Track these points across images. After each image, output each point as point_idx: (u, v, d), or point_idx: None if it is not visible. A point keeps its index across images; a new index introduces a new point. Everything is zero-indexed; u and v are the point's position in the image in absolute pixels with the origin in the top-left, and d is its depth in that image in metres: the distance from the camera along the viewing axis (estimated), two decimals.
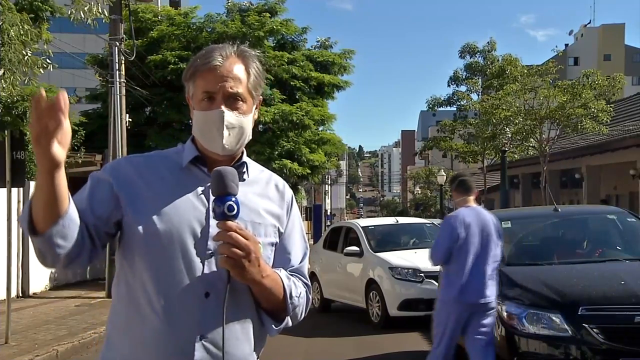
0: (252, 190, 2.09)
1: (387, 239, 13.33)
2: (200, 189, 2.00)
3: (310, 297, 2.18)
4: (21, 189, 14.60)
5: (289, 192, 2.21)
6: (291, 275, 2.11)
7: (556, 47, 59.15)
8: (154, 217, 1.94)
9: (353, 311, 13.25)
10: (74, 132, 16.32)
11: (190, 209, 1.97)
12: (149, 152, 2.15)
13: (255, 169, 2.17)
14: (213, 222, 1.91)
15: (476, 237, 5.98)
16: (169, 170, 2.03)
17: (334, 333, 11.62)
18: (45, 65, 10.57)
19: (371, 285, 12.01)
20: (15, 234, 10.74)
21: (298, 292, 2.09)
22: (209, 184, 1.93)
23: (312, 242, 37.28)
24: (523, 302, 6.24)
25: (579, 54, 79.10)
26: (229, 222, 1.84)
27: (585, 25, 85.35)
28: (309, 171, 23.24)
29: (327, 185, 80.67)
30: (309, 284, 2.19)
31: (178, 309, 1.91)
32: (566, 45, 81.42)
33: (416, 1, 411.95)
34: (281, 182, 2.21)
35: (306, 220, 67.32)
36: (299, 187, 28.24)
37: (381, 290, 11.62)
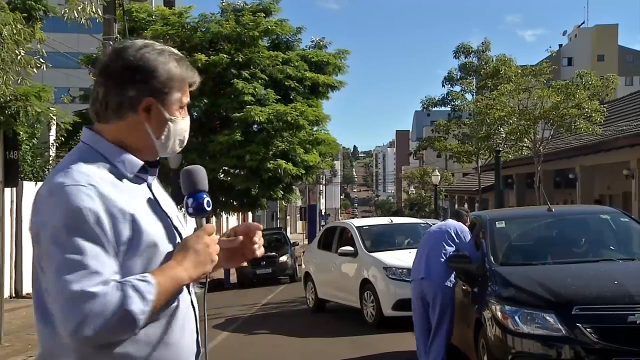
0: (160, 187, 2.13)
1: (381, 239, 13.35)
2: (149, 196, 1.97)
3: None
4: (14, 188, 14.57)
5: None
6: None
7: (550, 47, 59.42)
8: (142, 238, 1.85)
9: (347, 311, 13.25)
10: (70, 132, 16.28)
11: (160, 219, 1.94)
12: (74, 165, 1.86)
13: None
14: (180, 227, 1.98)
15: (426, 239, 8.27)
16: (125, 185, 1.91)
17: (328, 333, 11.63)
18: (38, 65, 10.53)
19: (366, 285, 12.02)
20: (7, 234, 10.70)
21: None
22: (152, 191, 1.99)
23: (307, 242, 37.27)
24: (517, 301, 6.26)
25: (572, 54, 79.23)
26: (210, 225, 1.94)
27: (579, 26, 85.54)
28: (303, 171, 23.21)
29: (321, 186, 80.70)
30: None
31: (182, 314, 1.95)
32: (560, 45, 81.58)
33: (401, 2, 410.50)
34: None
35: (301, 220, 67.29)
36: (294, 187, 28.20)
37: (375, 290, 11.63)
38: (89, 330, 1.67)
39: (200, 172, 2.00)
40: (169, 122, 1.98)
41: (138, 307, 1.72)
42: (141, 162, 1.96)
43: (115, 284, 1.72)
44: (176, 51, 2.02)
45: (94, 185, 1.79)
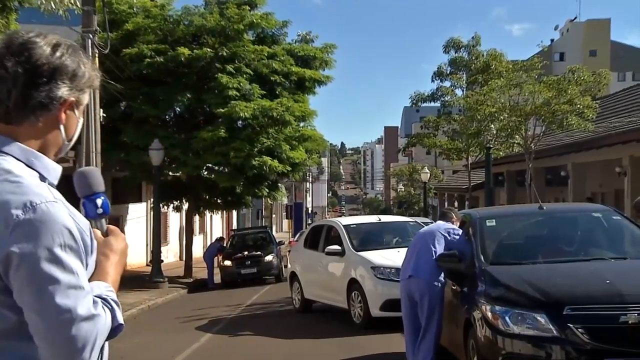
0: None
1: (369, 238, 13.35)
2: None
3: None
4: None
5: None
6: None
7: (541, 42, 59.37)
8: (94, 247, 1.88)
9: (334, 312, 13.25)
10: None
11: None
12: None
13: None
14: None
15: (416, 240, 8.43)
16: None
17: (314, 334, 11.63)
18: None
19: (353, 285, 12.02)
20: None
21: None
22: None
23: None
24: (507, 301, 6.28)
25: (564, 49, 79.61)
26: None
27: (572, 21, 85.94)
28: (289, 168, 23.19)
29: (308, 183, 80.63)
30: None
31: None
32: (552, 40, 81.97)
33: None
34: None
35: (287, 218, 67.25)
36: (279, 184, 28.16)
37: (363, 290, 11.63)
38: (94, 351, 1.67)
39: (97, 173, 1.96)
40: (78, 123, 1.93)
41: (122, 318, 1.78)
42: (61, 167, 1.87)
43: (100, 300, 1.73)
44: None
45: (60, 200, 1.72)
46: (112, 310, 1.75)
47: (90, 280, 1.76)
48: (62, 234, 1.65)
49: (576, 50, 76.68)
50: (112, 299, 1.77)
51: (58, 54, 1.81)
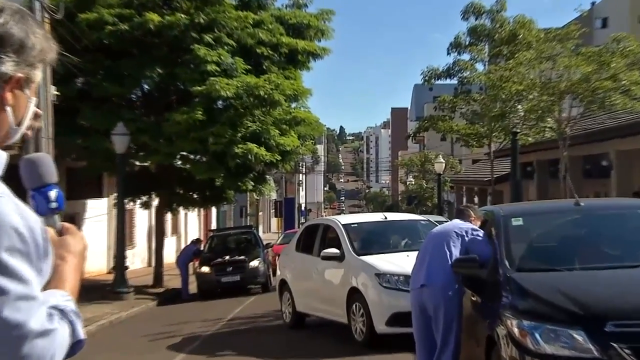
0: None
1: (373, 240, 13.40)
2: None
3: None
4: None
5: None
6: None
7: (580, 5, 59.33)
8: (50, 248, 1.90)
9: (332, 327, 13.30)
10: None
11: None
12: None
13: None
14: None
15: (428, 241, 8.55)
16: None
17: (308, 353, 11.67)
18: None
19: (354, 295, 12.05)
20: None
21: None
22: None
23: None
24: (538, 315, 6.28)
25: (607, 13, 79.46)
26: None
27: None
28: (279, 157, 23.21)
29: (301, 175, 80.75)
30: None
31: None
32: (592, 3, 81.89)
33: None
34: None
35: (276, 216, 67.40)
36: (267, 176, 28.17)
37: (366, 301, 11.66)
38: None
39: (48, 161, 1.93)
40: (29, 104, 1.88)
41: (83, 332, 1.76)
42: (6, 154, 1.82)
43: (57, 312, 1.70)
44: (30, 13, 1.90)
45: (6, 194, 1.68)
46: (72, 323, 1.73)
47: (45, 288, 1.73)
48: (8, 236, 1.61)
49: (622, 15, 76.51)
50: (70, 310, 1.75)
51: (1, 21, 1.77)
